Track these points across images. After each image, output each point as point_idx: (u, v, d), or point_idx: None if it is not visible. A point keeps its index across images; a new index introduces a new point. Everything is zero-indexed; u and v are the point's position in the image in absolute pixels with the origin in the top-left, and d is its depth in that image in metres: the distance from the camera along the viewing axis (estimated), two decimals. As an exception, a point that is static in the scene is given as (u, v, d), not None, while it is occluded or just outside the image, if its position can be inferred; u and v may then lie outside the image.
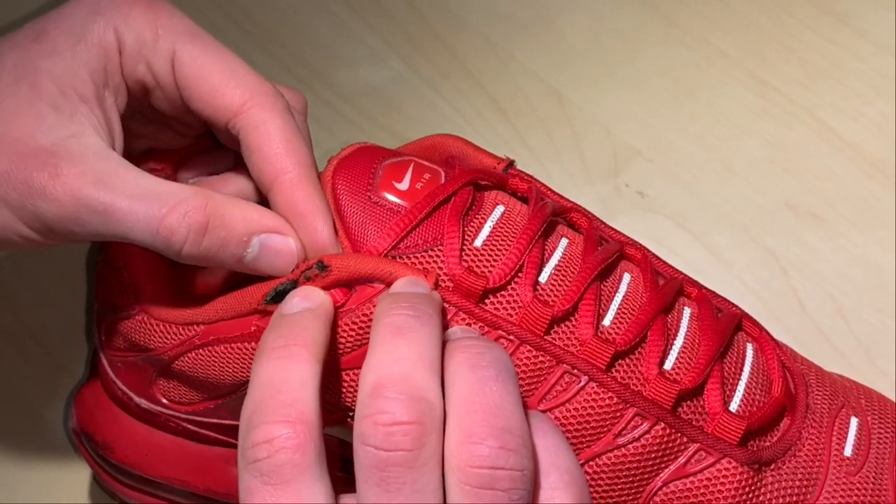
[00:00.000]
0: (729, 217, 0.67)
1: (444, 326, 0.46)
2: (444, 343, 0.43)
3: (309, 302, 0.45)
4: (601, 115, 0.70)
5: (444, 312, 0.46)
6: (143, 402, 0.53)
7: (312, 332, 0.43)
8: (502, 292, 0.46)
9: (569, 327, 0.46)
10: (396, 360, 0.41)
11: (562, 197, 0.52)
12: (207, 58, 0.47)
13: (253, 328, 0.47)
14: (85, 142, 0.45)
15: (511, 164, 0.52)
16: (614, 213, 0.67)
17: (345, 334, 0.46)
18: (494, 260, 0.47)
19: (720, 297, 0.52)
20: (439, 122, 0.70)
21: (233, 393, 0.49)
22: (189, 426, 0.53)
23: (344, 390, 0.47)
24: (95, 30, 0.47)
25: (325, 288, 0.46)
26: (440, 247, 0.47)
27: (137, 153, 0.52)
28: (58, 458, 0.60)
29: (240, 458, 0.40)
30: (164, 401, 0.52)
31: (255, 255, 0.46)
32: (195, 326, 0.48)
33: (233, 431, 0.52)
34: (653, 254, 0.52)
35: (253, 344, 0.47)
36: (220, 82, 0.47)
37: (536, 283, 0.47)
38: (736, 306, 0.52)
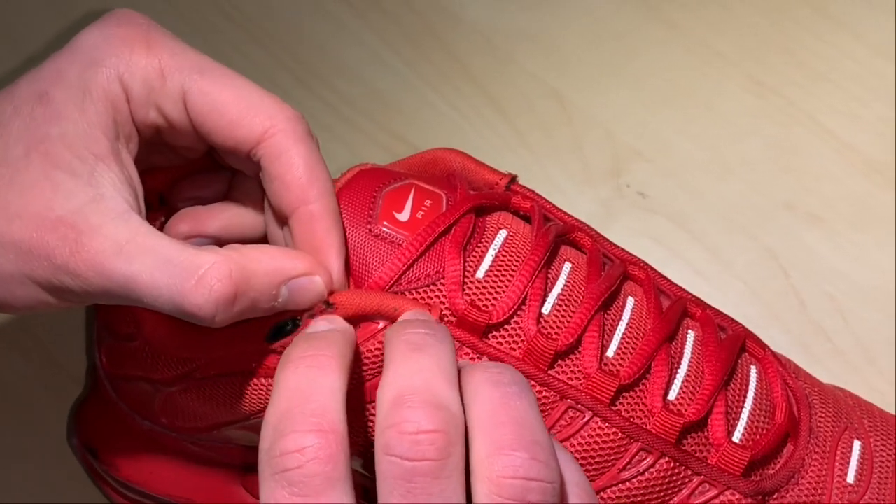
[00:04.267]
0: (728, 217, 0.67)
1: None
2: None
3: (334, 325, 0.44)
4: (601, 116, 0.69)
5: None
6: (146, 424, 0.52)
7: (340, 346, 0.42)
8: (506, 326, 0.46)
9: (573, 361, 0.46)
10: (416, 371, 0.40)
11: (564, 213, 0.52)
12: (220, 91, 0.46)
13: (253, 365, 0.47)
14: (104, 206, 0.43)
15: (513, 179, 0.52)
16: (615, 213, 0.66)
17: None
18: (497, 292, 0.46)
19: (724, 315, 0.52)
20: (439, 123, 0.70)
21: (234, 423, 0.49)
22: (192, 447, 0.53)
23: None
24: (99, 82, 0.45)
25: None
26: (442, 281, 0.46)
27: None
28: (64, 468, 0.60)
29: (264, 467, 0.39)
30: (166, 422, 0.52)
31: (286, 301, 0.44)
32: (195, 359, 0.48)
33: (235, 453, 0.52)
34: (655, 271, 0.52)
35: (253, 379, 0.47)
36: (238, 114, 0.46)
37: (540, 315, 0.46)
38: (739, 324, 0.52)
